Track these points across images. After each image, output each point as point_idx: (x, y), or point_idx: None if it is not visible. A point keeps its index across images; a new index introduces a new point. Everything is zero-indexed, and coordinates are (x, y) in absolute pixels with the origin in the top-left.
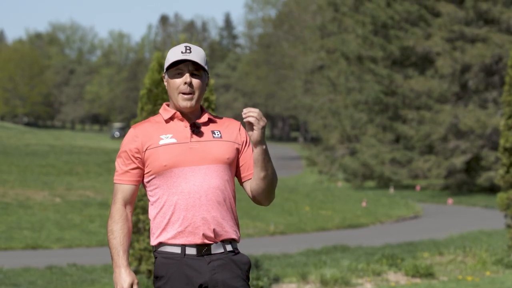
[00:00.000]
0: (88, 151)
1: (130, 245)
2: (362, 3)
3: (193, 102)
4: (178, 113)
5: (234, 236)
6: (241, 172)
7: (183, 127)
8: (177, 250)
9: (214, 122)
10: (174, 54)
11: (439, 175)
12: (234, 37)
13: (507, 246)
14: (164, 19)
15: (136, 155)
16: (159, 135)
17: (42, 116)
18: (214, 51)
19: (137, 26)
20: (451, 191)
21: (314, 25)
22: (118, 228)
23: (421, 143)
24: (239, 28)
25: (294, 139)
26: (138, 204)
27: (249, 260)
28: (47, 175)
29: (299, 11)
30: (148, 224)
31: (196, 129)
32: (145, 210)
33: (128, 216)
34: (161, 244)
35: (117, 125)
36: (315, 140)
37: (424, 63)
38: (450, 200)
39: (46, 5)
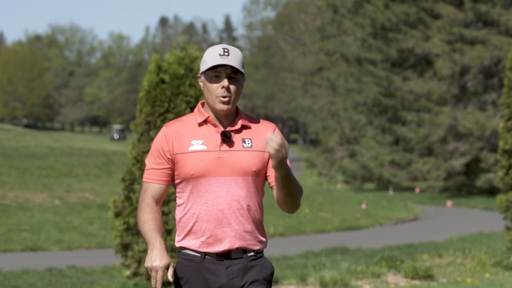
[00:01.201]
0: (88, 153)
1: (129, 247)
2: (361, 5)
3: (230, 105)
4: (211, 117)
5: (256, 247)
6: (269, 178)
7: (215, 133)
8: (197, 253)
9: (247, 127)
10: (212, 57)
11: (439, 177)
12: (233, 39)
13: (507, 248)
14: (163, 21)
15: (167, 156)
16: (190, 140)
17: (42, 118)
18: None
19: (136, 28)
20: (450, 193)
21: (314, 27)
22: (151, 218)
23: (420, 145)
24: (239, 30)
25: (294, 141)
26: (137, 206)
27: (271, 265)
28: (46, 177)
29: (299, 13)
30: None
31: (226, 139)
32: None
33: (158, 211)
34: (183, 248)
35: (116, 127)
36: (314, 142)
37: (423, 65)
38: (449, 202)
39: (46, 7)
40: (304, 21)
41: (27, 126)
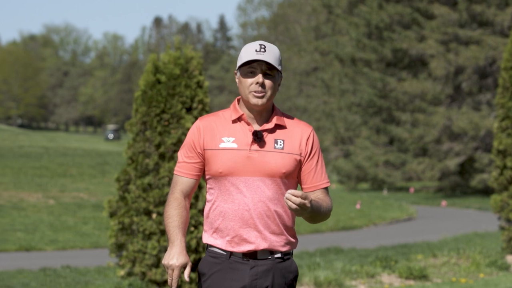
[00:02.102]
0: (82, 153)
1: (124, 247)
2: (356, 5)
3: (264, 100)
4: (245, 115)
5: (283, 249)
6: (301, 182)
7: (247, 131)
8: (223, 252)
9: (281, 127)
10: (248, 53)
11: (433, 177)
12: (228, 39)
13: (501, 248)
14: (158, 21)
15: (198, 149)
16: (222, 137)
17: (36, 118)
18: (208, 53)
19: (131, 28)
20: (445, 193)
21: (308, 27)
22: (176, 213)
23: (414, 145)
24: (233, 30)
25: None
26: (132, 206)
27: (296, 269)
28: (41, 177)
29: (293, 13)
30: (142, 226)
31: (257, 139)
32: (139, 212)
33: (186, 206)
34: (210, 245)
35: (111, 127)
36: None
37: (418, 65)
38: (443, 202)
39: (40, 7)
40: (298, 21)
41: (22, 126)
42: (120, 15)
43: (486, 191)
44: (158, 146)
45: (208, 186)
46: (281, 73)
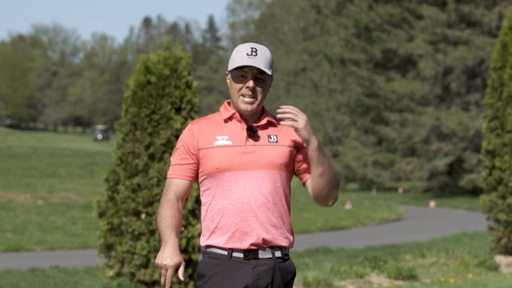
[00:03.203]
0: (71, 154)
1: (113, 247)
2: (345, 6)
3: (254, 106)
4: (237, 113)
5: (283, 243)
6: (301, 173)
7: (240, 129)
8: (225, 252)
9: (273, 125)
10: (239, 56)
11: (422, 178)
12: (217, 39)
13: (490, 249)
14: (147, 21)
15: (192, 150)
16: (215, 135)
17: (25, 118)
18: (197, 53)
19: (119, 29)
20: (433, 193)
21: (297, 27)
22: (170, 214)
23: (403, 146)
24: (222, 30)
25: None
26: (121, 206)
27: (295, 269)
28: (29, 177)
29: (282, 13)
30: (131, 227)
31: (252, 133)
32: (128, 213)
33: (179, 208)
34: (209, 246)
35: (99, 127)
36: None
37: (407, 65)
38: (432, 203)
39: (29, 8)
40: (287, 22)
41: (10, 126)
42: (108, 16)
43: (475, 191)
44: (147, 146)
45: (202, 188)
46: (272, 76)
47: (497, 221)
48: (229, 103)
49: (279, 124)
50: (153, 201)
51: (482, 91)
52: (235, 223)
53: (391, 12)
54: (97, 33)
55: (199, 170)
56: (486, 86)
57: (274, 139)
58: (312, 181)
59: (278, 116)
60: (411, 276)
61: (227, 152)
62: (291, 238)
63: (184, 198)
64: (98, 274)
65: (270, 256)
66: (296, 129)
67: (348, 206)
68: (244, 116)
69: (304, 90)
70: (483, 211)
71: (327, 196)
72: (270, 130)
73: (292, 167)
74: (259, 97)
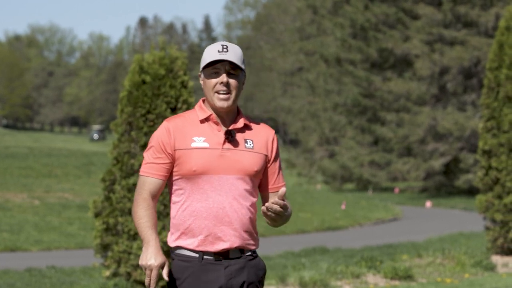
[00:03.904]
0: (67, 154)
1: (109, 247)
2: (341, 6)
3: (230, 102)
4: (214, 115)
5: (252, 247)
6: (261, 183)
7: (217, 131)
8: (196, 255)
9: (249, 128)
10: (211, 53)
11: (418, 177)
12: (213, 39)
13: (486, 249)
14: (143, 21)
15: (168, 150)
16: (192, 136)
17: (21, 118)
18: (194, 53)
19: (116, 29)
20: (429, 193)
21: (293, 27)
22: (147, 214)
23: (399, 145)
24: (218, 30)
25: None
26: (117, 206)
27: (265, 266)
28: (26, 177)
29: (278, 13)
30: (127, 226)
31: (230, 137)
32: (124, 213)
33: (154, 207)
34: (179, 247)
35: (96, 127)
36: (294, 143)
37: (403, 65)
38: (428, 203)
39: (25, 8)
40: (283, 22)
41: (7, 126)
42: (105, 16)
43: (471, 191)
44: (143, 146)
45: (175, 187)
46: (244, 72)
47: (493, 221)
48: (204, 101)
49: (254, 126)
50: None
51: (478, 91)
52: (208, 227)
53: (387, 12)
54: (93, 33)
55: (174, 170)
56: (482, 86)
57: (250, 144)
58: (265, 216)
59: (264, 209)
60: (408, 276)
61: (204, 155)
62: (257, 239)
63: (157, 196)
64: (95, 274)
65: (240, 255)
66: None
67: (343, 206)
68: (221, 117)
69: (300, 90)
70: (479, 211)
71: (273, 226)
72: (247, 133)
73: (261, 175)
74: (233, 93)
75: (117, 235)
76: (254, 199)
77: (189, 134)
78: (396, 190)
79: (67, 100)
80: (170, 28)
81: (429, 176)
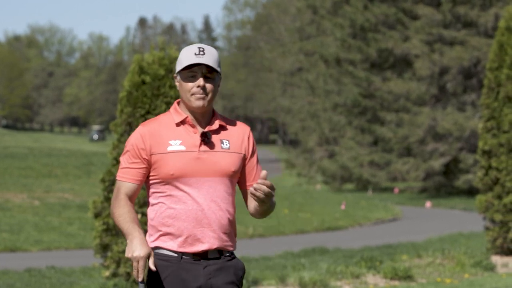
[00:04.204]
0: (67, 154)
1: (109, 248)
2: (341, 6)
3: (206, 102)
4: (189, 118)
5: (230, 249)
6: (241, 181)
7: (193, 133)
8: (175, 255)
9: (224, 129)
10: (187, 57)
11: (418, 178)
12: (213, 39)
13: (486, 249)
14: (142, 22)
15: (143, 155)
16: (168, 140)
17: (21, 119)
18: None
19: (115, 29)
20: (429, 193)
21: (293, 27)
22: (126, 211)
23: (399, 146)
24: (218, 30)
25: (273, 142)
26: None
27: (243, 266)
28: (26, 178)
29: (278, 13)
30: None
31: (206, 139)
32: None
33: (132, 206)
34: (158, 247)
35: (96, 127)
36: (293, 143)
37: (403, 65)
38: (428, 203)
39: (25, 8)
40: (283, 22)
41: (6, 126)
42: (104, 16)
43: (471, 192)
44: None
45: (152, 190)
46: (220, 75)
47: (493, 221)
48: (178, 103)
49: (230, 126)
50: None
51: (478, 91)
52: (188, 229)
53: (387, 12)
54: (93, 34)
55: (151, 174)
56: (482, 86)
57: (226, 145)
58: (249, 206)
59: (250, 190)
60: (407, 276)
61: (181, 158)
62: (235, 240)
63: (134, 200)
64: (94, 274)
65: (219, 255)
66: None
67: (342, 206)
68: (196, 118)
69: (300, 91)
70: (479, 211)
71: (258, 217)
72: (222, 134)
73: (239, 174)
74: (210, 95)
75: (117, 236)
76: (233, 200)
77: (165, 138)
78: (396, 190)
79: (67, 100)
80: (169, 29)
81: (428, 176)
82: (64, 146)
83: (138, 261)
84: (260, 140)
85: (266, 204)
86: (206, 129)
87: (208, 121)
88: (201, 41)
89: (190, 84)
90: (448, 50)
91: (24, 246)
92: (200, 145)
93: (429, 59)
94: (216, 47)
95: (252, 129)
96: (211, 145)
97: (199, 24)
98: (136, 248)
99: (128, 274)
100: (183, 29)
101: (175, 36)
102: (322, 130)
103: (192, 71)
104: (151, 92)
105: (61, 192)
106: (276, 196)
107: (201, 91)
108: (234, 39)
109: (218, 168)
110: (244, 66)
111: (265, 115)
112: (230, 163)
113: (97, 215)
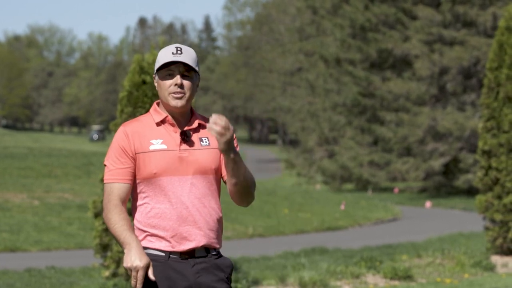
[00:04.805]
0: (67, 154)
1: (108, 248)
2: (341, 6)
3: (184, 101)
4: (169, 117)
5: (217, 246)
6: (222, 171)
7: (173, 132)
8: (162, 254)
9: (203, 127)
10: (165, 55)
11: (417, 178)
12: (213, 39)
13: (486, 249)
14: (142, 22)
15: (130, 154)
16: (150, 139)
17: (21, 119)
18: None
19: (115, 29)
20: (429, 193)
21: (293, 27)
22: (122, 218)
23: (399, 145)
24: (218, 30)
25: (273, 142)
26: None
27: (231, 263)
28: (25, 178)
29: (278, 13)
30: None
31: (186, 138)
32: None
33: (126, 213)
34: (145, 247)
35: (95, 127)
36: (293, 143)
37: (402, 65)
38: (428, 203)
39: (25, 8)
40: (283, 22)
41: (6, 126)
42: (104, 16)
43: (470, 192)
44: None
45: (137, 190)
46: (198, 75)
47: (493, 221)
48: (158, 104)
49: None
50: None
51: (478, 91)
52: (173, 228)
53: (387, 12)
54: (93, 34)
55: (135, 173)
56: (482, 86)
57: (206, 142)
58: (228, 187)
59: (208, 125)
60: (407, 276)
61: (163, 156)
62: (221, 237)
63: (126, 202)
64: (94, 274)
65: (206, 254)
66: (217, 139)
67: (342, 206)
68: (176, 118)
69: (300, 90)
70: (479, 211)
71: (241, 201)
72: (202, 132)
73: (221, 169)
74: (188, 93)
75: None
76: (217, 196)
77: (147, 137)
78: (396, 190)
79: (66, 100)
80: (169, 28)
81: (428, 176)
82: (64, 146)
83: (137, 271)
84: (260, 140)
85: (230, 149)
86: (185, 129)
87: (187, 120)
88: (201, 41)
89: (168, 82)
90: (447, 50)
91: (24, 246)
92: (181, 143)
93: (429, 59)
94: (216, 47)
95: (252, 129)
96: (191, 144)
97: (199, 24)
98: (135, 258)
99: (128, 274)
100: (183, 29)
101: (175, 36)
102: (322, 130)
103: (169, 69)
104: (151, 92)
105: (61, 192)
106: (276, 196)
107: (179, 89)
108: (234, 39)
109: (198, 166)
110: (244, 66)
111: (265, 115)
112: (211, 160)
113: (97, 215)
